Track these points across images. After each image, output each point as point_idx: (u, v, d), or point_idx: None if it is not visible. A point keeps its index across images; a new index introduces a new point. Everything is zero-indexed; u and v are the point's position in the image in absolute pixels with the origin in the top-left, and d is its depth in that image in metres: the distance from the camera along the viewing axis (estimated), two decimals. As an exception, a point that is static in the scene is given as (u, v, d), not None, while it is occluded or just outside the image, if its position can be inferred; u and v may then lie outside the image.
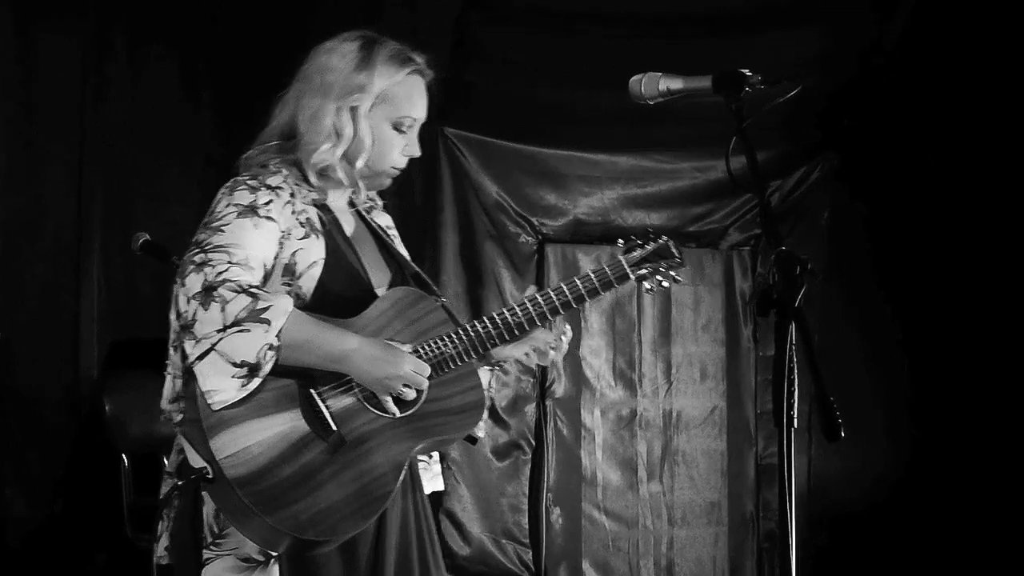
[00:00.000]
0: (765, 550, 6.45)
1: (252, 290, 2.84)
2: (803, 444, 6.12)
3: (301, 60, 3.17)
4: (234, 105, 5.63)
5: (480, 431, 3.19)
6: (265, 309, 2.81)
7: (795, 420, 2.43)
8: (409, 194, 5.88)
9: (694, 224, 6.41)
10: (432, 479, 3.24)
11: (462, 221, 6.01)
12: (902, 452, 6.39)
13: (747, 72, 2.77)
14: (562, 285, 3.12)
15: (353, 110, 3.07)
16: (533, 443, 6.11)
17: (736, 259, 6.45)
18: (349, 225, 3.19)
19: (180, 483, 2.93)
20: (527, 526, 6.07)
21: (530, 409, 6.11)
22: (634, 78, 2.97)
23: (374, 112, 3.09)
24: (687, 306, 6.39)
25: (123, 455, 4.84)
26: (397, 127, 3.12)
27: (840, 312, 6.31)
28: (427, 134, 5.68)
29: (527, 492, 6.10)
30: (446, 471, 5.86)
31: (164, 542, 3.03)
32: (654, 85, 2.94)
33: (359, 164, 3.09)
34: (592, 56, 5.72)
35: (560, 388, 6.14)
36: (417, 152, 3.16)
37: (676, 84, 2.94)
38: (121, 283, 5.58)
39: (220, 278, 2.83)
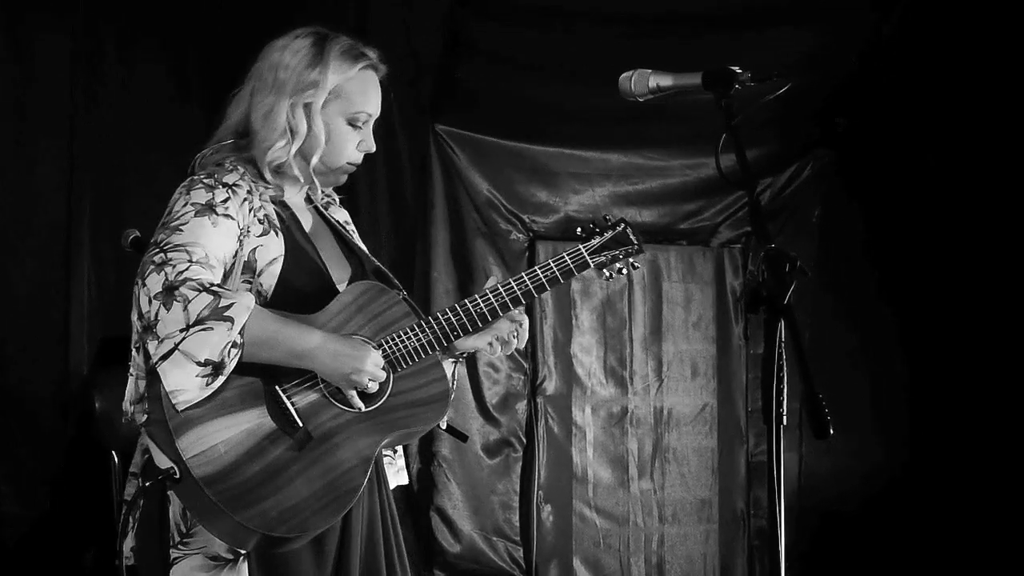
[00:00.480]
0: (756, 547, 6.45)
1: (214, 288, 2.84)
2: (794, 442, 6.12)
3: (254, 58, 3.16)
4: (224, 100, 5.62)
5: (443, 420, 3.20)
6: (228, 307, 2.81)
7: (784, 417, 2.44)
8: (400, 191, 5.88)
9: (685, 221, 6.41)
10: (397, 473, 3.24)
11: (453, 218, 6.00)
12: (893, 450, 6.39)
13: (737, 69, 2.77)
14: (523, 275, 3.11)
15: (307, 106, 3.07)
16: (524, 441, 6.11)
17: (727, 256, 6.45)
18: (307, 221, 3.19)
19: (147, 484, 2.91)
20: (518, 523, 6.07)
21: (521, 407, 6.10)
22: (624, 75, 2.96)
23: (328, 108, 3.09)
24: (678, 304, 6.39)
25: (113, 452, 4.82)
26: (352, 123, 3.11)
27: (831, 310, 6.32)
28: (418, 131, 5.71)
29: (518, 490, 6.10)
30: (436, 468, 5.86)
31: (130, 542, 3.02)
32: (644, 82, 2.94)
33: (314, 161, 3.09)
34: (584, 53, 5.72)
35: (551, 385, 6.15)
36: (372, 147, 3.16)
37: (666, 81, 2.93)
38: (111, 280, 5.57)
39: (181, 277, 2.83)
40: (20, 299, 5.41)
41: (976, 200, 6.14)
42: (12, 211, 5.41)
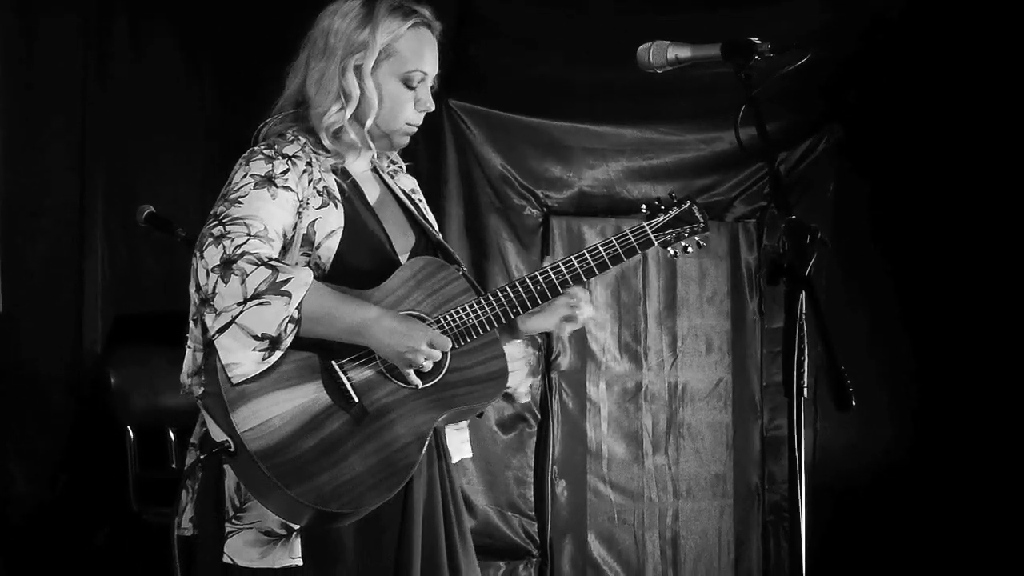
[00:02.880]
0: (770, 522, 6.45)
1: (272, 262, 2.82)
2: (809, 417, 6.10)
3: (308, 27, 3.14)
4: (235, 77, 5.62)
5: (524, 396, 3.22)
6: (285, 282, 2.80)
7: (805, 389, 2.42)
8: (414, 167, 5.86)
9: (699, 196, 6.34)
10: (460, 446, 3.22)
11: (467, 194, 5.99)
12: (905, 426, 6.38)
13: (756, 40, 2.75)
14: (584, 252, 3.08)
15: (358, 69, 3.03)
16: (538, 416, 6.10)
17: (742, 231, 6.43)
18: (373, 191, 3.17)
19: (202, 457, 2.91)
20: (532, 499, 6.07)
21: (535, 382, 6.10)
22: (642, 47, 2.95)
23: (380, 69, 3.05)
24: (692, 279, 6.38)
25: (128, 428, 4.84)
26: (406, 82, 3.07)
27: (844, 286, 6.30)
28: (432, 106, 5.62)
29: (532, 465, 6.09)
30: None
31: (188, 514, 3.02)
32: (662, 54, 2.93)
33: (368, 123, 3.06)
34: (597, 28, 5.70)
35: (565, 361, 6.14)
36: (431, 106, 3.12)
37: (684, 53, 2.92)
38: (124, 257, 5.57)
39: (239, 251, 2.82)
40: (33, 278, 5.42)
41: (982, 175, 6.12)
42: (24, 190, 5.41)
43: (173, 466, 5.00)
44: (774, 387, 6.34)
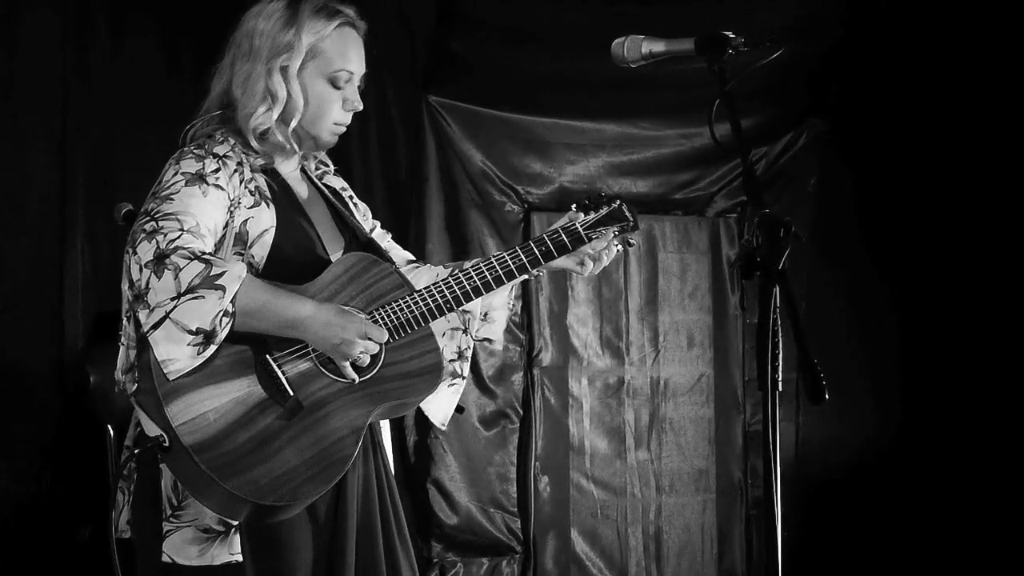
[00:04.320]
0: (753, 517, 6.46)
1: (205, 256, 2.83)
2: (790, 411, 6.12)
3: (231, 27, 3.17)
4: (208, 75, 5.61)
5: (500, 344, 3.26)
6: (219, 275, 2.80)
7: (780, 383, 2.43)
8: (394, 163, 5.86)
9: (680, 191, 6.40)
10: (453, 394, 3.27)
11: (447, 190, 5.99)
12: (888, 418, 6.40)
13: (730, 34, 2.76)
14: (516, 248, 3.11)
15: (284, 70, 3.05)
16: (520, 412, 6.10)
17: (723, 226, 6.44)
18: (302, 191, 3.18)
19: (136, 451, 2.91)
20: (515, 495, 6.07)
21: (517, 378, 6.10)
22: (616, 41, 2.96)
23: (306, 70, 3.07)
24: (674, 274, 6.38)
25: (108, 426, 4.82)
26: (333, 82, 3.09)
27: (827, 278, 6.31)
28: (411, 102, 5.70)
29: (515, 461, 6.10)
30: (433, 440, 5.85)
31: (125, 515, 3.02)
32: (637, 48, 2.94)
33: (293, 124, 3.07)
34: (577, 23, 5.70)
35: (547, 357, 6.14)
36: (359, 106, 3.13)
37: (658, 47, 2.93)
38: (105, 255, 5.55)
39: (172, 245, 2.82)
40: (14, 275, 5.40)
41: (966, 166, 6.13)
42: (4, 187, 5.39)
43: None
44: (756, 381, 6.32)
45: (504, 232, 6.08)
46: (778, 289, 2.43)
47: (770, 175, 6.38)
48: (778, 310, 2.43)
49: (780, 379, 2.43)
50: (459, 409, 3.25)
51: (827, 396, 2.34)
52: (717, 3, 5.62)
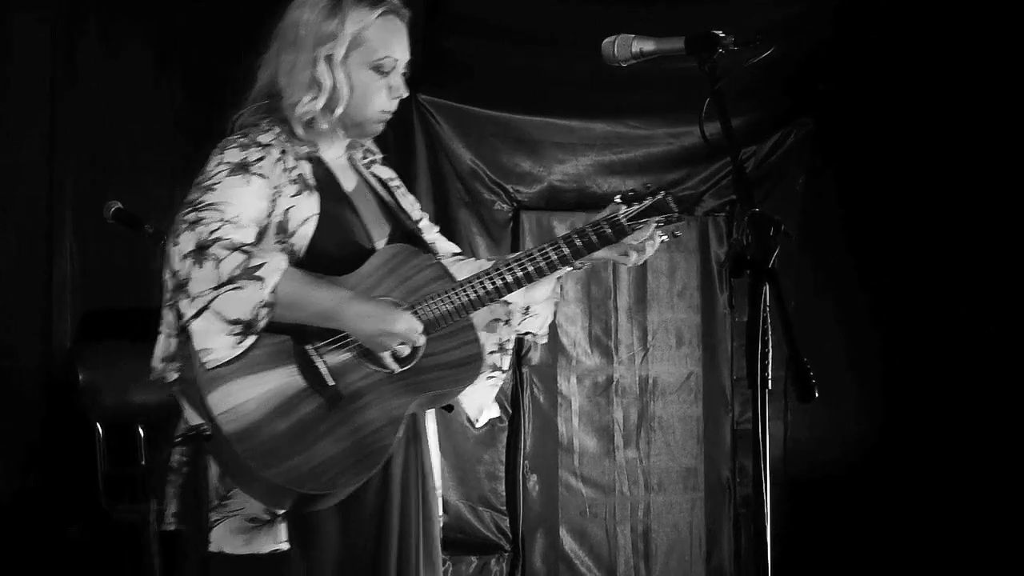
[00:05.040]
0: (742, 515, 6.46)
1: (245, 248, 2.85)
2: (779, 410, 6.10)
3: (275, 19, 3.16)
4: (204, 74, 5.61)
5: (544, 338, 3.30)
6: (259, 267, 2.82)
7: (769, 381, 2.43)
8: (390, 158, 5.86)
9: (669, 190, 6.38)
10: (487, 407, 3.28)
11: (437, 189, 5.99)
12: (875, 416, 6.41)
13: (720, 33, 2.76)
14: (559, 240, 3.11)
15: (328, 59, 3.06)
16: (510, 410, 6.11)
17: (711, 225, 6.44)
18: (349, 181, 3.19)
19: (177, 439, 2.95)
20: (504, 493, 6.08)
21: (506, 376, 6.09)
22: (607, 40, 2.96)
23: (350, 58, 3.08)
24: (662, 273, 6.39)
25: (97, 425, 4.82)
26: (377, 70, 3.10)
27: (813, 278, 6.32)
28: (401, 102, 5.67)
29: (504, 459, 6.10)
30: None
31: (173, 508, 3.04)
32: (627, 47, 2.94)
33: (338, 112, 3.08)
34: (566, 22, 5.70)
35: (536, 356, 6.14)
36: (404, 92, 3.15)
37: (648, 46, 2.93)
38: (94, 254, 5.56)
39: (213, 236, 2.84)
40: (2, 274, 5.40)
41: (959, 169, 6.14)
42: (-7, 185, 5.41)
43: (143, 463, 4.98)
44: (744, 380, 6.32)
45: (493, 231, 6.08)
46: (768, 287, 2.43)
47: (759, 174, 6.38)
48: (768, 308, 2.43)
49: (770, 377, 2.43)
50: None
51: (816, 394, 2.35)
52: (709, 3, 5.63)
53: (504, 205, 6.14)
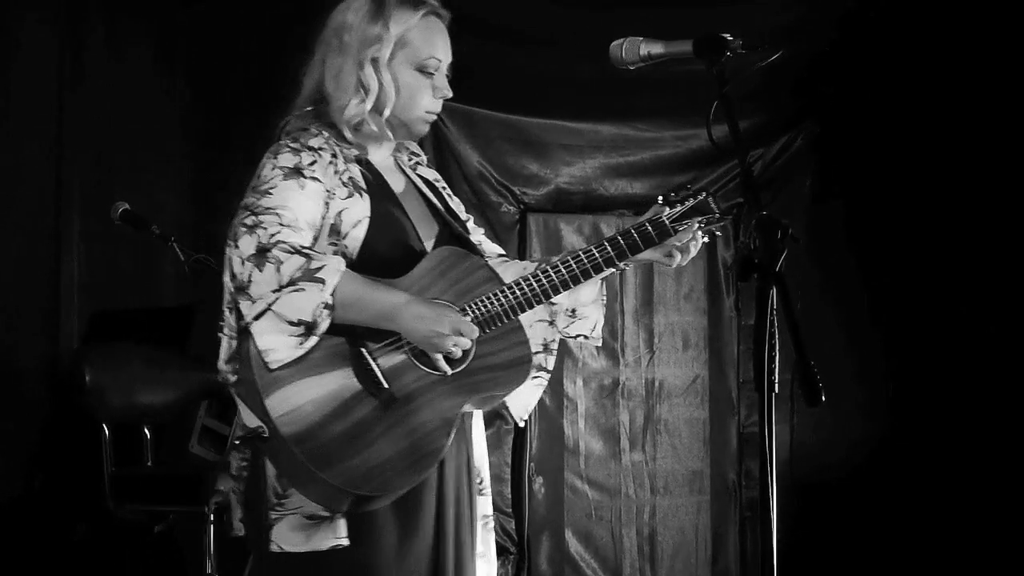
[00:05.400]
0: (747, 518, 6.46)
1: (305, 250, 2.88)
2: (785, 413, 6.10)
3: (318, 26, 3.19)
4: (209, 74, 5.63)
5: (598, 340, 3.36)
6: (319, 268, 2.85)
7: (776, 385, 2.43)
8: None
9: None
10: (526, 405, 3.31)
11: (444, 191, 5.98)
12: (880, 420, 6.41)
13: (728, 36, 2.76)
14: (604, 242, 3.13)
15: (374, 61, 3.09)
16: (516, 412, 6.10)
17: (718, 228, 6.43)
18: (398, 183, 3.22)
19: (236, 441, 2.99)
20: (510, 496, 6.07)
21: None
22: (615, 43, 2.96)
23: (395, 60, 3.11)
24: (669, 275, 6.39)
25: (104, 425, 4.83)
26: (422, 70, 3.14)
27: (819, 282, 6.31)
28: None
29: (510, 462, 6.10)
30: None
31: (238, 514, 3.09)
32: (635, 50, 2.94)
33: (387, 113, 3.11)
34: (573, 24, 5.70)
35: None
36: (449, 93, 3.20)
37: (657, 49, 2.93)
38: (100, 255, 5.57)
39: (273, 239, 2.87)
40: (9, 273, 5.41)
41: (966, 173, 6.14)
42: (0, 185, 5.41)
43: (149, 463, 4.99)
44: (750, 383, 6.29)
45: (500, 233, 6.07)
46: (775, 291, 2.43)
47: (767, 177, 6.38)
48: (775, 312, 2.43)
49: (776, 380, 2.43)
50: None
51: (823, 398, 2.34)
52: (715, 7, 5.63)
53: (511, 207, 6.13)
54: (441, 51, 3.18)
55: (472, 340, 2.99)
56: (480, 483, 3.25)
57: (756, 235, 2.45)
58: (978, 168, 6.08)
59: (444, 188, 3.37)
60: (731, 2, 5.78)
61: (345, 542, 2.95)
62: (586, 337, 3.38)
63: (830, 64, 6.19)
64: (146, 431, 4.97)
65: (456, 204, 3.37)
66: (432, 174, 3.37)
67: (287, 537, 2.97)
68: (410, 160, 3.32)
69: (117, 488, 4.82)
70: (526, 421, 3.38)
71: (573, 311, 3.32)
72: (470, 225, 3.36)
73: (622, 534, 6.27)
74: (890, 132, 6.30)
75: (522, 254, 5.90)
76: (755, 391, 2.45)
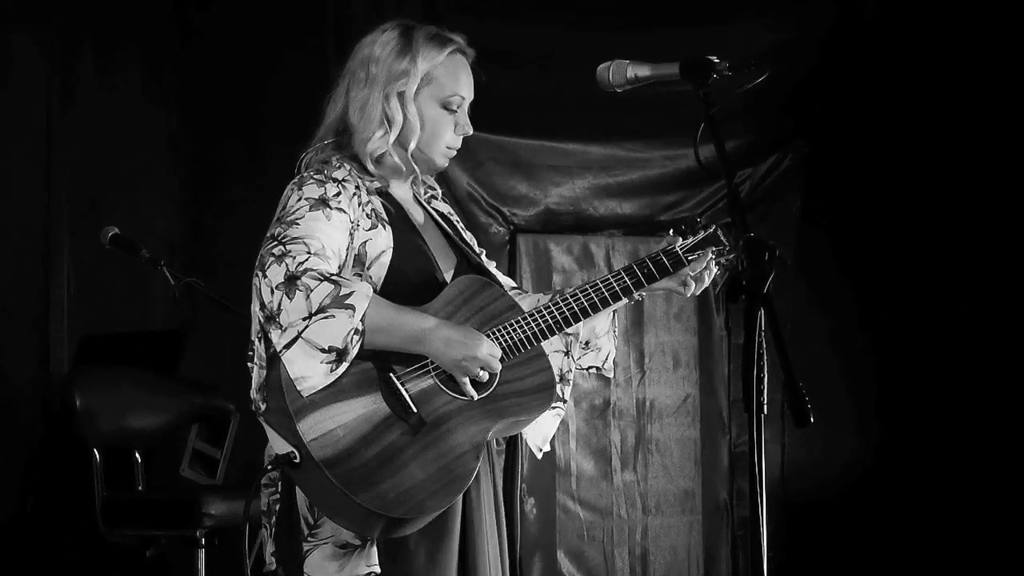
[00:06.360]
0: (739, 538, 6.46)
1: (334, 277, 2.92)
2: (776, 432, 6.12)
3: (344, 58, 3.25)
4: (199, 100, 5.64)
5: (609, 372, 3.44)
6: (348, 295, 2.89)
7: (765, 406, 2.44)
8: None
9: (665, 213, 6.39)
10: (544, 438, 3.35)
11: (433, 212, 5.99)
12: (871, 438, 6.42)
13: (714, 58, 2.79)
14: (620, 271, 3.20)
15: (400, 95, 3.14)
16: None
17: (707, 247, 6.44)
18: (418, 215, 3.27)
19: (267, 468, 3.01)
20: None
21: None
22: (602, 66, 3.00)
23: (421, 95, 3.17)
24: (659, 295, 6.39)
25: (95, 450, 4.82)
26: (446, 107, 3.20)
27: (809, 301, 6.32)
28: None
29: (501, 483, 6.08)
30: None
31: (271, 548, 3.11)
32: (622, 73, 2.98)
33: (411, 147, 3.17)
34: (560, 45, 5.73)
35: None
36: (470, 130, 3.26)
37: (644, 71, 2.96)
38: (90, 279, 5.57)
39: (302, 268, 2.91)
40: (-1, 298, 5.41)
41: (955, 189, 6.16)
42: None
43: (140, 487, 4.98)
44: (741, 402, 6.35)
45: (490, 254, 6.02)
46: (762, 313, 2.44)
47: (754, 197, 6.39)
48: (763, 333, 2.44)
49: (765, 401, 2.44)
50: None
51: (812, 419, 2.35)
52: (702, 29, 5.66)
53: (500, 228, 6.14)
54: (465, 88, 3.24)
55: (498, 364, 3.04)
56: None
57: (744, 257, 2.47)
58: (968, 187, 6.10)
59: (458, 221, 3.43)
60: (720, 22, 5.82)
61: (377, 569, 2.99)
62: (598, 369, 3.44)
63: (818, 83, 6.22)
64: (137, 455, 4.97)
65: (470, 237, 3.43)
66: (446, 208, 3.43)
67: (320, 567, 3.00)
68: (426, 193, 3.37)
69: (108, 512, 4.81)
70: (542, 451, 3.40)
71: (587, 343, 3.37)
72: (483, 258, 3.41)
73: (614, 554, 6.27)
74: (880, 150, 6.32)
75: (512, 275, 5.90)
76: (745, 412, 2.46)
